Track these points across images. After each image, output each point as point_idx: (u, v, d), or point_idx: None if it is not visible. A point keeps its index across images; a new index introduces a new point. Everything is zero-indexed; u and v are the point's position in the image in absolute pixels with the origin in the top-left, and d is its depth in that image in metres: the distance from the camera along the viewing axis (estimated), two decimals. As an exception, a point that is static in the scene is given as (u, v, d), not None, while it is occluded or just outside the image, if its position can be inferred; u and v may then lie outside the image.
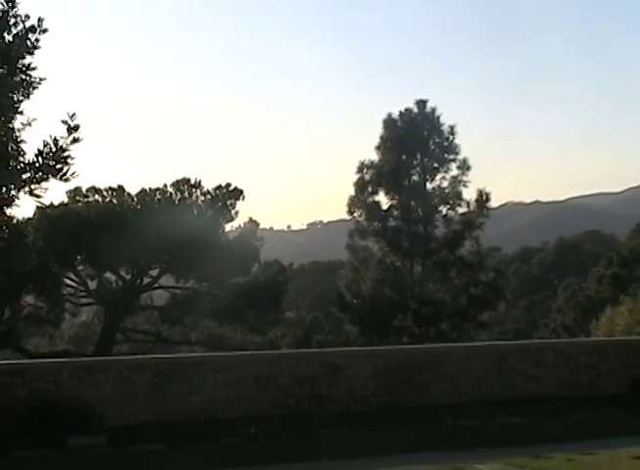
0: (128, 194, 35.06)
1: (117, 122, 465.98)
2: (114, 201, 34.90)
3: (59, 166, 12.83)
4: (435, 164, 38.50)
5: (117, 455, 12.55)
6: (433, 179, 38.61)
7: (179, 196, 35.00)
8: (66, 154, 12.80)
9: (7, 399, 14.01)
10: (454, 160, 38.34)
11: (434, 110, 38.79)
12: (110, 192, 34.96)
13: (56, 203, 33.38)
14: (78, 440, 12.82)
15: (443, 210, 38.69)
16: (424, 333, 36.74)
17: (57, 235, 32.32)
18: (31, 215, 31.00)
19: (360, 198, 38.62)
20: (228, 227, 37.05)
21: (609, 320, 33.27)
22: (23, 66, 12.82)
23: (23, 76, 12.85)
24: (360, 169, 38.74)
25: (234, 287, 35.33)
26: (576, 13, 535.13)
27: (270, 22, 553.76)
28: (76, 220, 32.90)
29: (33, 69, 12.87)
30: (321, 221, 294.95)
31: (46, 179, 12.92)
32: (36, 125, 13.04)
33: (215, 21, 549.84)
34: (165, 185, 35.07)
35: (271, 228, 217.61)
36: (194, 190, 35.03)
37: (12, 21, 12.70)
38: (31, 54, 12.82)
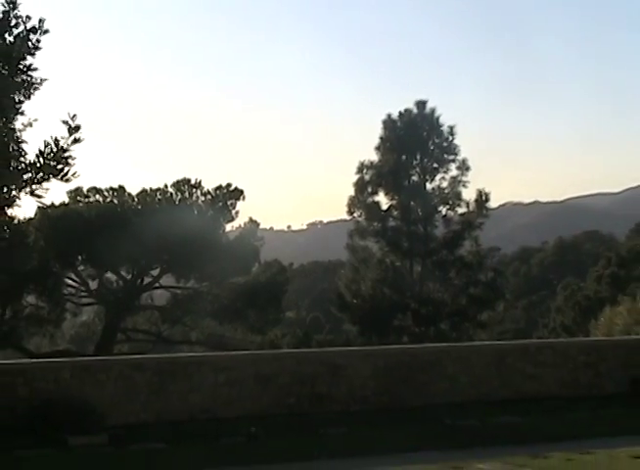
0: (129, 194, 35.10)
1: (118, 123, 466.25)
2: (115, 201, 34.93)
3: (60, 167, 12.88)
4: (435, 165, 38.58)
5: (118, 454, 12.60)
6: (432, 180, 38.69)
7: (180, 196, 35.04)
8: (66, 154, 12.85)
9: (8, 399, 14.06)
10: (454, 160, 38.44)
11: (433, 110, 38.91)
12: (110, 192, 35.00)
13: (57, 203, 33.45)
14: (79, 439, 12.87)
15: (443, 210, 38.78)
16: (423, 333, 36.80)
17: (58, 235, 32.36)
18: (32, 216, 31.00)
19: (360, 198, 38.69)
20: (228, 227, 37.11)
21: (608, 320, 33.33)
22: (25, 66, 12.87)
23: (25, 77, 12.90)
24: (360, 170, 38.83)
25: (234, 287, 35.36)
26: (576, 14, 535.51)
27: (270, 22, 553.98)
28: (77, 220, 32.94)
29: (34, 69, 12.93)
30: (321, 221, 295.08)
31: (47, 180, 12.97)
32: (37, 126, 13.11)
33: (215, 21, 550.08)
34: (166, 185, 35.11)
35: (271, 228, 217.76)
36: (194, 190, 35.06)
37: (13, 22, 12.75)
38: (32, 55, 12.87)
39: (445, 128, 38.71)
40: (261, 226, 39.88)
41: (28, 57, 12.83)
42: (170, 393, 15.01)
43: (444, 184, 38.58)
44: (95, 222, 32.66)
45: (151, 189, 35.18)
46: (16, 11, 12.70)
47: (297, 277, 72.04)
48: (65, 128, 12.76)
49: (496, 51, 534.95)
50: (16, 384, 14.31)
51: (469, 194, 38.41)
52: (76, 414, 13.32)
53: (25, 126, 12.96)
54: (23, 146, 12.99)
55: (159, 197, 34.99)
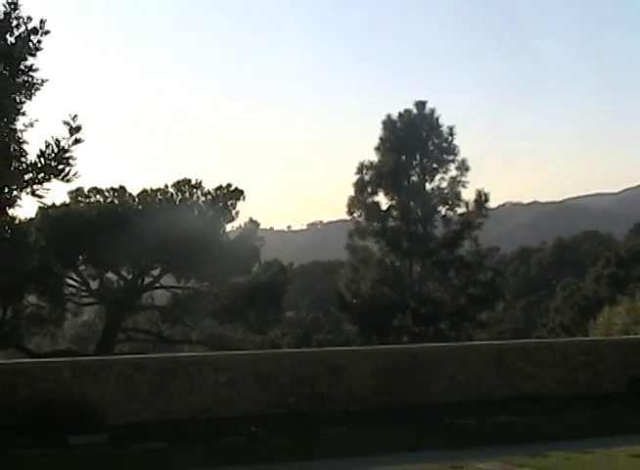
0: (129, 194, 35.15)
1: (119, 123, 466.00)
2: (116, 201, 34.97)
3: (61, 167, 12.90)
4: (435, 165, 38.64)
5: (119, 454, 12.65)
6: (432, 180, 38.76)
7: (180, 196, 35.09)
8: (67, 155, 12.87)
9: (9, 398, 14.12)
10: (453, 160, 38.51)
11: (433, 111, 38.99)
12: (111, 192, 35.05)
13: (58, 203, 33.52)
14: (80, 438, 12.92)
15: (442, 210, 38.85)
16: (423, 332, 36.85)
17: (59, 235, 32.41)
18: (34, 216, 31.05)
19: (360, 198, 38.75)
20: (229, 227, 37.18)
21: (606, 320, 33.37)
22: (26, 67, 12.90)
23: (26, 78, 12.92)
24: (360, 170, 38.89)
25: (234, 287, 35.41)
26: (576, 14, 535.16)
27: (270, 22, 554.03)
28: (78, 221, 32.99)
29: (35, 70, 12.95)
30: (321, 221, 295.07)
31: (48, 180, 13.00)
32: (38, 126, 13.13)
33: (215, 21, 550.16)
34: (166, 185, 35.16)
35: (271, 228, 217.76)
36: (195, 190, 35.11)
37: (14, 22, 12.78)
38: (33, 55, 12.89)
39: (445, 129, 38.83)
40: (261, 226, 39.98)
41: (29, 57, 12.86)
42: (171, 392, 15.05)
43: (444, 184, 38.70)
44: (96, 222, 32.71)
45: (151, 189, 35.25)
46: (17, 12, 12.73)
47: (297, 277, 72.10)
48: (66, 129, 12.80)
49: (496, 51, 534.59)
50: (17, 384, 14.37)
51: (468, 194, 38.53)
52: (77, 414, 13.37)
53: (27, 127, 12.99)
54: (25, 146, 13.03)
55: (159, 197, 35.05)
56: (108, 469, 12.02)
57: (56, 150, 12.81)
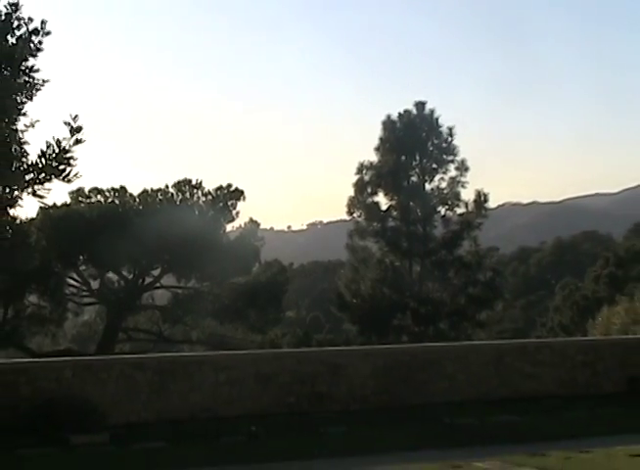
0: (130, 195, 35.19)
1: (119, 123, 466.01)
2: (117, 201, 35.01)
3: (61, 167, 12.92)
4: (434, 165, 38.73)
5: (119, 453, 12.68)
6: (431, 180, 38.86)
7: (180, 196, 35.14)
8: (68, 155, 12.89)
9: (11, 398, 14.15)
10: (452, 161, 38.62)
11: (432, 111, 39.12)
12: (112, 193, 35.10)
13: (59, 203, 33.56)
14: (81, 438, 12.96)
15: (442, 210, 38.96)
16: (423, 332, 36.91)
17: (59, 235, 32.45)
18: (34, 216, 31.12)
19: (360, 198, 38.83)
20: (229, 227, 37.23)
21: (605, 319, 33.38)
22: (27, 68, 12.93)
23: (27, 78, 12.95)
24: (360, 170, 38.98)
25: (235, 287, 35.46)
26: (576, 14, 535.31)
27: (270, 23, 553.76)
28: (79, 221, 33.04)
29: (36, 71, 12.97)
30: (321, 222, 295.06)
31: (49, 180, 13.02)
32: (39, 127, 13.16)
33: (215, 22, 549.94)
34: (167, 186, 35.21)
35: (271, 228, 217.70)
36: (195, 191, 35.16)
37: (15, 23, 12.82)
38: (34, 56, 12.92)
39: (444, 129, 38.97)
40: (261, 226, 40.01)
41: (30, 58, 12.88)
42: (171, 392, 15.09)
43: (443, 185, 38.82)
44: (96, 222, 32.76)
45: (152, 189, 35.30)
46: (18, 13, 12.76)
47: (297, 277, 72.15)
48: (66, 129, 12.82)
49: (496, 51, 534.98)
50: (18, 383, 14.40)
51: (468, 194, 38.65)
52: (78, 413, 13.40)
53: (27, 127, 13.01)
54: (26, 147, 13.05)
55: (160, 197, 35.09)
56: (108, 468, 12.06)
57: (57, 150, 12.84)
